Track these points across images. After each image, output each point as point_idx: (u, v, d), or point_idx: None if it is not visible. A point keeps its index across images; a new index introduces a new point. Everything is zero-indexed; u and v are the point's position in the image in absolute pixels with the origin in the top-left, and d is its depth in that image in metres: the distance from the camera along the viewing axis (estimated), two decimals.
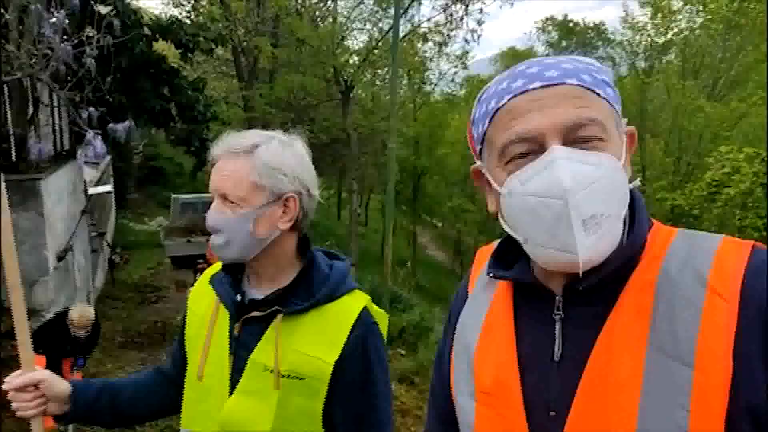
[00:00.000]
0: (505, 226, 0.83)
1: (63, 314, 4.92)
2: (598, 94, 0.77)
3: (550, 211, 0.73)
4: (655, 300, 0.74)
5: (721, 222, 11.44)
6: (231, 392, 1.26)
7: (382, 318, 1.33)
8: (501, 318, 0.90)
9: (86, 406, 1.35)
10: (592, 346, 0.77)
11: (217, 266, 1.40)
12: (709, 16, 19.66)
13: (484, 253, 1.02)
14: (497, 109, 0.80)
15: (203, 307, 1.37)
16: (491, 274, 0.91)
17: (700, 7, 20.12)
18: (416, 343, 8.81)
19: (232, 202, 1.21)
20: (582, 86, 0.77)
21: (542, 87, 0.77)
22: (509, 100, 0.79)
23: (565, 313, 0.81)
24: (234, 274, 1.35)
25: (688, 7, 20.77)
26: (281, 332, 1.23)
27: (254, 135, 1.26)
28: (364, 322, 1.26)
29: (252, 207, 1.21)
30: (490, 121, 0.82)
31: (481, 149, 0.87)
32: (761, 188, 10.64)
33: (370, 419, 1.27)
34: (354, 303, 1.28)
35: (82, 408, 1.35)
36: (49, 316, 5.68)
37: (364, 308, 1.28)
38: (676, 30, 21.32)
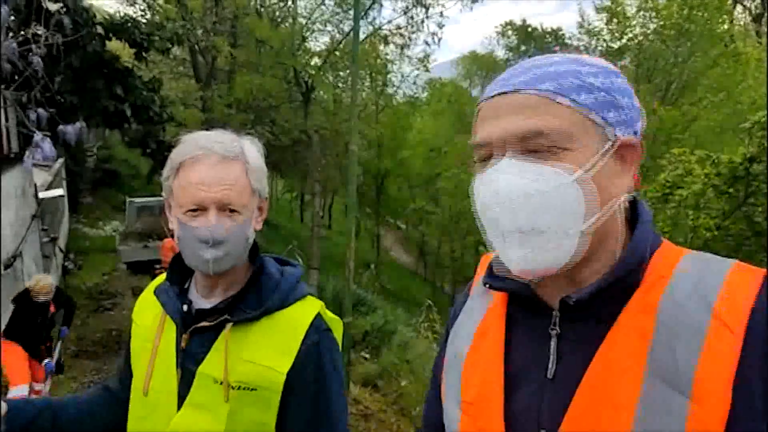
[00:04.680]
0: None
1: (23, 292, 5.37)
2: (560, 103, 0.73)
3: (488, 221, 0.77)
4: (657, 323, 0.71)
5: (675, 222, 11.77)
6: (179, 407, 1.20)
7: (336, 324, 1.30)
8: (493, 329, 0.87)
9: (23, 428, 1.24)
10: (587, 365, 0.74)
11: (162, 277, 1.33)
12: (662, 22, 20.30)
13: (487, 260, 0.98)
14: (479, 110, 0.82)
15: (149, 320, 1.31)
16: (486, 284, 0.89)
17: (653, 14, 20.76)
18: (380, 347, 8.77)
19: (234, 212, 1.16)
20: (538, 95, 0.74)
21: (498, 95, 0.77)
22: (482, 102, 0.80)
23: (561, 329, 0.79)
24: (180, 284, 1.29)
25: (641, 13, 21.41)
26: (231, 342, 1.18)
27: (229, 137, 1.21)
28: (317, 329, 1.22)
29: (249, 212, 1.19)
30: (475, 120, 0.83)
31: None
32: (712, 189, 11.00)
33: (325, 429, 1.24)
34: (307, 310, 1.24)
35: (19, 429, 1.24)
36: None
37: (318, 315, 1.25)
38: (630, 35, 21.92)
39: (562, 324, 0.79)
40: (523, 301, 0.85)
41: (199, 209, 1.15)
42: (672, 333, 0.69)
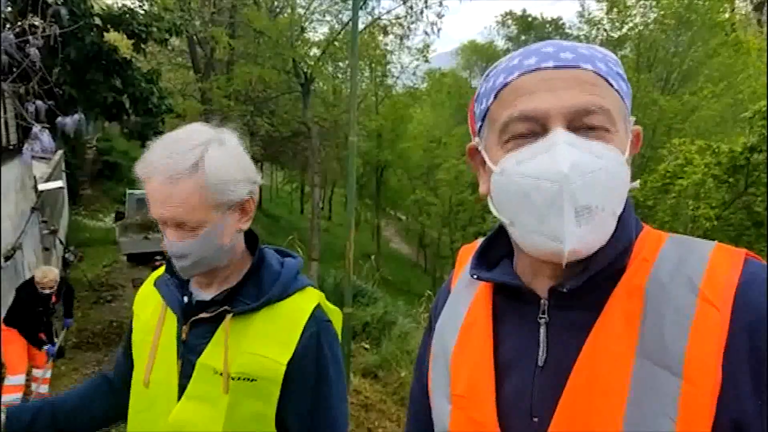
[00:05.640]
0: (492, 207, 0.80)
1: (28, 281, 5.48)
2: (611, 85, 0.74)
3: (542, 195, 0.70)
4: (645, 306, 0.72)
5: (675, 212, 11.78)
6: (179, 398, 1.21)
7: (336, 315, 1.30)
8: (480, 320, 0.87)
9: (23, 431, 1.27)
10: (578, 352, 0.74)
11: (162, 269, 1.34)
12: (662, 12, 20.21)
13: (467, 252, 0.98)
14: (505, 85, 0.76)
15: (149, 312, 1.32)
16: (474, 276, 0.87)
17: (654, 3, 20.66)
18: (380, 337, 8.79)
19: (192, 228, 1.13)
20: (596, 73, 0.73)
21: (555, 67, 0.73)
22: (519, 76, 0.75)
23: (550, 317, 0.79)
24: (180, 276, 1.29)
25: (642, 2, 21.31)
26: (231, 333, 1.18)
27: (188, 146, 1.12)
28: (317, 320, 1.22)
29: (213, 224, 1.14)
30: (495, 97, 0.77)
31: (480, 126, 0.82)
32: (712, 179, 11.00)
33: (325, 420, 1.24)
34: (306, 301, 1.24)
35: None
36: None
37: (317, 306, 1.25)
38: (630, 25, 21.84)
39: (550, 311, 0.79)
40: (509, 291, 0.85)
41: (161, 222, 1.15)
42: (660, 314, 0.70)
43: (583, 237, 0.70)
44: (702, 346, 0.67)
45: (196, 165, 1.10)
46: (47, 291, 5.38)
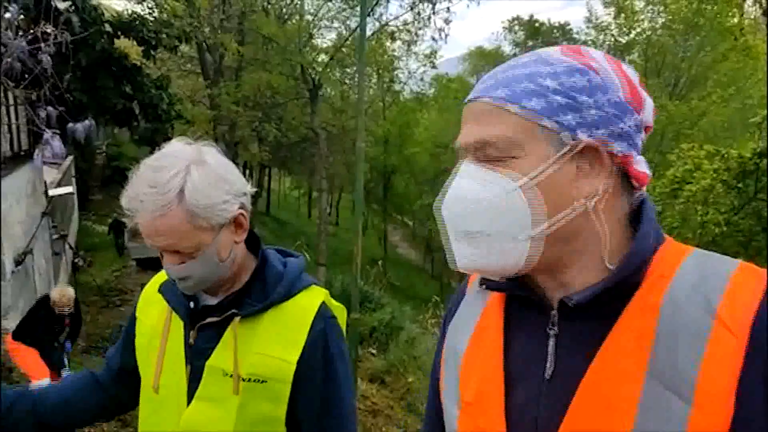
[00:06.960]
0: None
1: (44, 299, 5.17)
2: (509, 110, 0.73)
3: (441, 219, 0.80)
4: (659, 324, 0.69)
5: (683, 218, 11.70)
6: (189, 402, 1.22)
7: (340, 312, 1.32)
8: (491, 327, 0.85)
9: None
10: (586, 366, 0.72)
11: (164, 274, 1.34)
12: (670, 17, 20.17)
13: None
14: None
15: (154, 317, 1.32)
16: (483, 285, 0.87)
17: (662, 8, 20.63)
18: (387, 343, 8.78)
19: (188, 253, 1.14)
20: (492, 103, 0.75)
21: (469, 101, 0.79)
22: (464, 106, 0.81)
23: (559, 328, 0.77)
24: None
25: (650, 7, 21.28)
26: (239, 335, 1.19)
27: (169, 175, 1.10)
28: (323, 317, 1.24)
29: (209, 245, 1.14)
30: None
31: None
32: (721, 185, 10.91)
33: (334, 414, 1.25)
34: (312, 299, 1.26)
35: None
36: (6, 323, 5.53)
37: (323, 303, 1.26)
38: (638, 30, 21.83)
39: (560, 324, 0.77)
40: (521, 300, 0.83)
41: (158, 249, 1.16)
42: (673, 335, 0.67)
43: (471, 256, 0.77)
44: (715, 373, 0.64)
45: (181, 193, 1.09)
46: (66, 311, 5.08)
